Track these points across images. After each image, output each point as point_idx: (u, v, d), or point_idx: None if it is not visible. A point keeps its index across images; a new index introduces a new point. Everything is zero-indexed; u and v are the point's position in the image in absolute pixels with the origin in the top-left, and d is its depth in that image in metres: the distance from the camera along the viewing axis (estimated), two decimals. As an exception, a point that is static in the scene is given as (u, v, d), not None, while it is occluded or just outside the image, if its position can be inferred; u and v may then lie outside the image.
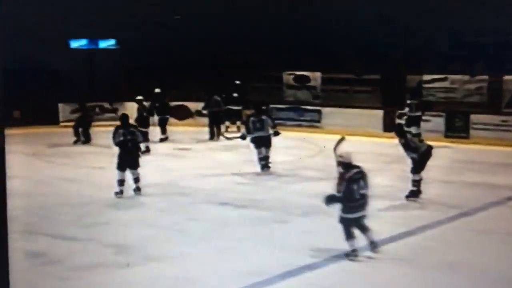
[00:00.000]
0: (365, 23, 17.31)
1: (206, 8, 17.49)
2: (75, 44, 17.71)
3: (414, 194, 8.75)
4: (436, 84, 15.05)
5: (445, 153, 12.66)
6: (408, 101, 13.39)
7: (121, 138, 8.91)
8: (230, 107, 15.10)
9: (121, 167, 8.90)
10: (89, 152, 12.98)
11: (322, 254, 6.49)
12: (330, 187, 8.19)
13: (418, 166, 8.71)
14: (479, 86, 14.52)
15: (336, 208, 6.13)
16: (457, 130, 14.04)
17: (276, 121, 15.87)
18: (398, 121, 13.66)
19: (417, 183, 8.74)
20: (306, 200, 8.59)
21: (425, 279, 5.94)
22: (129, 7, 17.01)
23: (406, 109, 13.35)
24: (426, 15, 16.64)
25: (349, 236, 6.29)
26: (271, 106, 15.99)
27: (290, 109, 16.05)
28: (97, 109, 16.13)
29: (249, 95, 16.13)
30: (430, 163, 11.63)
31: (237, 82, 15.84)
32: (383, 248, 6.59)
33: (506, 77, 14.21)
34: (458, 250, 6.73)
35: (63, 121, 15.84)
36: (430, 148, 8.82)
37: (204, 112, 14.88)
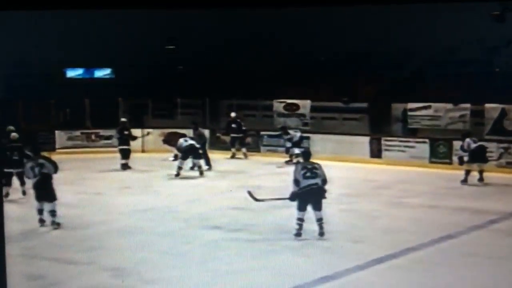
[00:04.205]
0: (353, 55, 17.96)
1: (198, 38, 18.00)
2: (71, 73, 18.09)
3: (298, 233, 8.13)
4: (421, 112, 15.60)
5: (429, 179, 13.09)
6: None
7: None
8: (232, 135, 15.96)
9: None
10: (88, 178, 13.17)
11: (315, 276, 6.71)
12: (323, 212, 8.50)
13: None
14: (462, 114, 15.07)
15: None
16: (440, 156, 14.51)
17: (267, 148, 16.46)
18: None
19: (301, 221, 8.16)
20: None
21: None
22: (124, 37, 17.47)
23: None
24: (413, 47, 17.33)
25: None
26: (262, 132, 16.55)
27: (280, 135, 16.44)
28: (93, 136, 16.43)
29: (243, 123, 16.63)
30: (416, 188, 12.07)
31: (232, 114, 16.40)
32: (370, 271, 6.90)
33: (488, 105, 14.77)
34: (444, 273, 6.95)
35: (59, 148, 16.16)
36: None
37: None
